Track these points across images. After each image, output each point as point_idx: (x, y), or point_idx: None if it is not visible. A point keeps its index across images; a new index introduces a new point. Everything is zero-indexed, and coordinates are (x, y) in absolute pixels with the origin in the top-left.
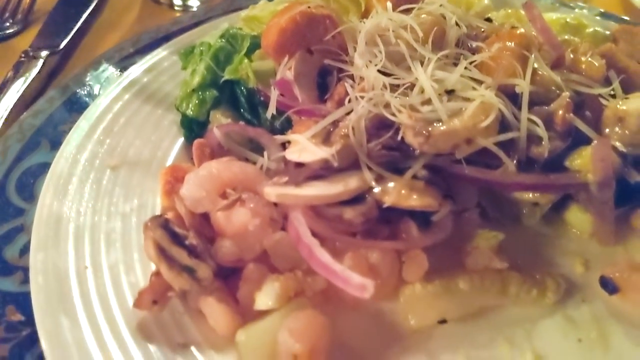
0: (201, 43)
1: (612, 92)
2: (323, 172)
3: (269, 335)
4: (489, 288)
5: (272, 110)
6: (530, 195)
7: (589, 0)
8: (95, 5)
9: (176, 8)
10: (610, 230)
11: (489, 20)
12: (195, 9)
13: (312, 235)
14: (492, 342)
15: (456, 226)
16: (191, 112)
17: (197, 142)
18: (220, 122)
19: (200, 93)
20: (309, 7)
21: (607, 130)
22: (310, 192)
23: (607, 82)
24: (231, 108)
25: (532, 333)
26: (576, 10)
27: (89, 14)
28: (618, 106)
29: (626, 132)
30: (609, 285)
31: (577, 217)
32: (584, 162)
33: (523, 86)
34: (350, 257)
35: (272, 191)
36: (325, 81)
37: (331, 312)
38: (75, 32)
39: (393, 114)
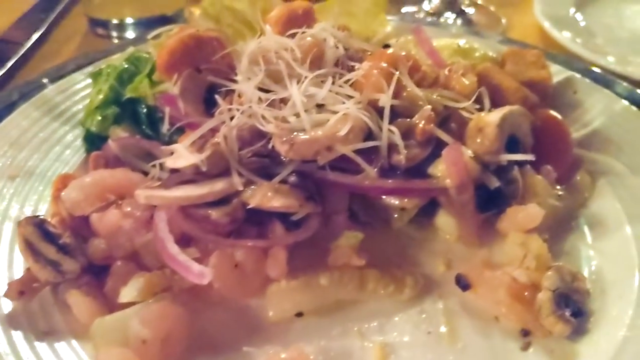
0: (108, 65)
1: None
2: (197, 177)
3: (122, 323)
4: (347, 283)
5: (166, 124)
6: (397, 201)
7: (508, 32)
8: (39, 37)
9: (114, 41)
10: (474, 232)
11: (387, 46)
12: None
13: (169, 231)
14: (344, 333)
15: (325, 227)
16: (94, 128)
17: (93, 154)
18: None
19: (102, 110)
20: (197, 30)
21: (469, 140)
22: (176, 194)
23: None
24: (133, 124)
25: (385, 326)
26: (483, 38)
27: (30, 46)
28: (479, 118)
29: (485, 141)
30: (461, 282)
31: (445, 221)
32: (443, 169)
33: (385, 100)
34: (216, 255)
35: (142, 193)
36: (213, 97)
37: (199, 308)
38: (15, 62)
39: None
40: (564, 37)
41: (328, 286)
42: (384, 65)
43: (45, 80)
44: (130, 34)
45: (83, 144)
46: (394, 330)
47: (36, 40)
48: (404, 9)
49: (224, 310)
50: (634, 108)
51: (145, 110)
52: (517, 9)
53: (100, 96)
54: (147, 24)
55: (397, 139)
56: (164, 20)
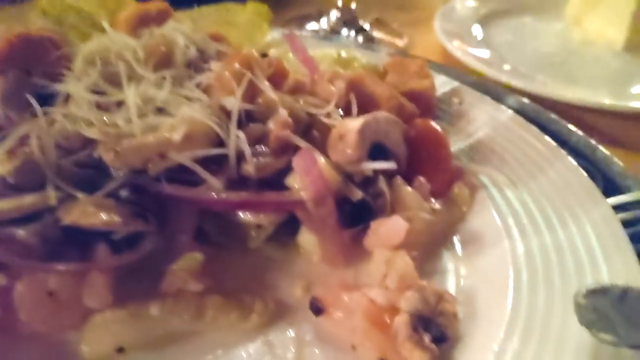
0: None
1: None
2: (8, 191)
3: None
4: (181, 312)
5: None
6: (252, 217)
7: (410, 49)
8: None
9: None
10: (338, 251)
11: (265, 55)
12: None
13: None
14: None
15: (167, 249)
16: None
17: None
18: None
19: None
20: (28, 29)
21: (331, 149)
22: None
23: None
24: None
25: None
26: (375, 51)
27: None
28: (341, 125)
29: (347, 150)
30: (314, 306)
31: (308, 239)
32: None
33: (232, 103)
34: (25, 281)
35: None
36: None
37: (4, 344)
38: None
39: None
40: (462, 53)
41: (159, 316)
42: (236, 66)
43: None
44: None
45: None
46: None
47: None
48: (309, 26)
49: (35, 346)
50: (519, 118)
51: None
52: (420, 27)
53: None
54: None
55: (244, 145)
56: None
